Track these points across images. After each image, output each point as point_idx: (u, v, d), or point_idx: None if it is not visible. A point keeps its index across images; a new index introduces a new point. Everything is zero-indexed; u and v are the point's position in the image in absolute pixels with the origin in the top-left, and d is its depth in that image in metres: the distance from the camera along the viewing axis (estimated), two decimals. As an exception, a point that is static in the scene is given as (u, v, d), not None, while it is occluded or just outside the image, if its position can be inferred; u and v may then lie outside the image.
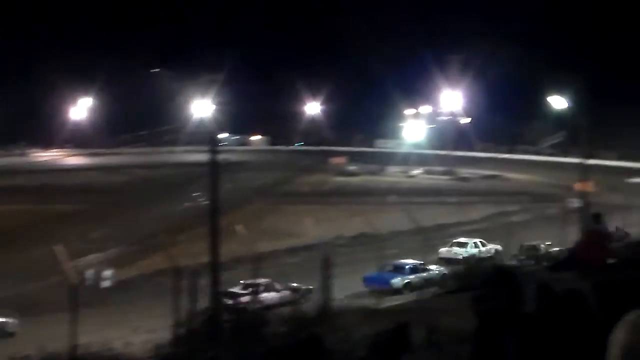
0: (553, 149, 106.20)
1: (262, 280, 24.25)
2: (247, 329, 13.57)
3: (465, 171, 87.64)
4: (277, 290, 24.16)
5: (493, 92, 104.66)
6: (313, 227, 23.37)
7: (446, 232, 36.19)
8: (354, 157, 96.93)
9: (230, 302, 20.56)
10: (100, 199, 50.94)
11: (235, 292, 23.20)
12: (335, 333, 10.83)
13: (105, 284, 29.65)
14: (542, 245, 27.71)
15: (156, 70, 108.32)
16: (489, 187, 71.19)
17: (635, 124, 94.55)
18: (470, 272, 15.13)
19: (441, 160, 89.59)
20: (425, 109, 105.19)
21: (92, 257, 33.72)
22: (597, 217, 15.73)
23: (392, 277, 25.28)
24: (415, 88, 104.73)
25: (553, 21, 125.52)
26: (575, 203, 38.42)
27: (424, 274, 26.22)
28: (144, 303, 25.12)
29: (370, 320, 11.27)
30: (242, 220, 33.40)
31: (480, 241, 31.75)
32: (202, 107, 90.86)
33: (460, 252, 30.82)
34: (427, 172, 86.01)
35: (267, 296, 23.34)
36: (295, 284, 24.50)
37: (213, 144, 11.80)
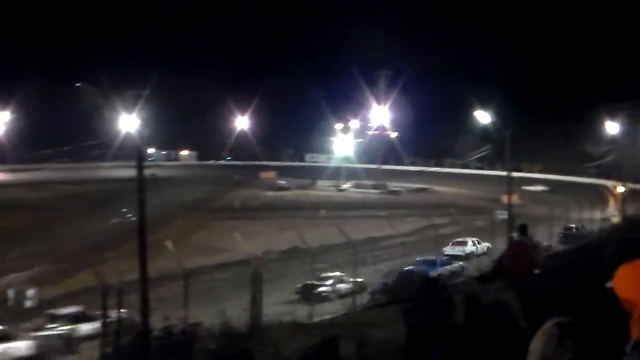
0: (480, 162, 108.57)
1: (336, 274, 27.87)
2: (176, 346, 13.36)
3: (394, 185, 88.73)
4: (347, 282, 26.57)
5: (420, 107, 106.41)
6: (243, 242, 23.24)
7: (377, 245, 36.47)
8: (284, 172, 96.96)
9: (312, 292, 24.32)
10: (24, 216, 49.45)
11: (314, 284, 26.40)
12: (265, 348, 10.77)
13: (29, 303, 28.72)
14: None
15: (79, 84, 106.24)
16: (418, 200, 72.21)
17: (557, 137, 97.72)
18: (401, 284, 15.23)
19: (371, 174, 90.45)
20: (354, 123, 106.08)
21: (14, 276, 32.65)
22: (523, 229, 16.07)
23: (428, 270, 26.39)
24: (344, 102, 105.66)
25: (479, 38, 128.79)
26: (502, 215, 39.43)
27: (449, 267, 30.02)
28: (70, 323, 24.44)
29: (300, 334, 11.27)
30: (172, 236, 32.95)
31: (477, 240, 35.68)
32: (128, 122, 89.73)
33: (462, 250, 35.06)
34: (357, 186, 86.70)
35: (341, 286, 26.16)
36: (359, 278, 25.89)
37: (140, 159, 11.63)
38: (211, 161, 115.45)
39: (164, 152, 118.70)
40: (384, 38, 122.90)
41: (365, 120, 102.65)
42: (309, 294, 26.49)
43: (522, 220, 20.20)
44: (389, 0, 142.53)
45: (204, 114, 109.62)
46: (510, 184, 31.64)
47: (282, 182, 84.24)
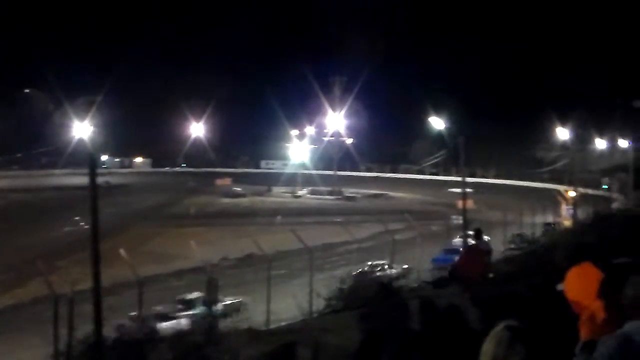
0: (435, 168, 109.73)
1: (382, 261, 29.74)
2: (131, 355, 13.17)
3: (350, 191, 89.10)
4: (394, 269, 27.81)
5: (376, 113, 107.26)
6: (199, 249, 23.06)
7: (333, 252, 36.53)
8: (239, 179, 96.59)
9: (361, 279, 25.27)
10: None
11: (364, 271, 27.80)
12: (222, 356, 10.70)
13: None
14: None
15: (28, 90, 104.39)
16: (374, 206, 72.61)
17: (510, 143, 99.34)
18: (356, 290, 15.26)
19: (326, 180, 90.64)
20: (309, 129, 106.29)
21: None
22: (477, 233, 16.27)
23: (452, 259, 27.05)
24: (300, 109, 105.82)
25: (433, 45, 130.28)
26: (457, 220, 39.83)
27: None
28: (19, 334, 23.89)
29: (257, 341, 11.22)
30: (127, 244, 32.47)
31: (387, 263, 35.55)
32: (80, 129, 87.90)
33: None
34: (313, 192, 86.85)
35: (392, 271, 27.06)
36: (404, 265, 28.66)
37: (92, 166, 11.46)
38: (166, 168, 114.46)
39: (118, 159, 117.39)
40: (339, 44, 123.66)
41: (320, 127, 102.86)
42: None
43: (477, 224, 20.43)
44: (343, 7, 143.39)
45: (158, 121, 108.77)
46: (465, 189, 31.99)
47: (238, 189, 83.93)
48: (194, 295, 24.15)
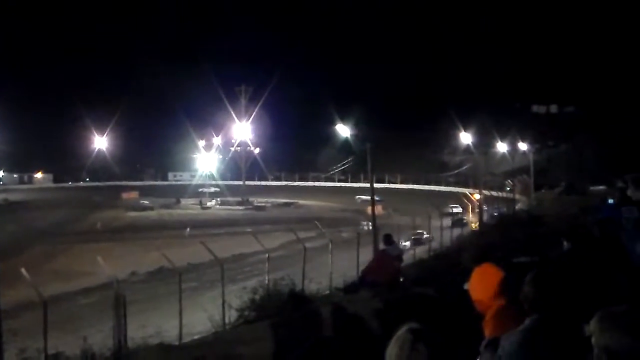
0: (343, 175, 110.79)
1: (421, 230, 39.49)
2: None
3: (259, 200, 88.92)
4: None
5: (282, 122, 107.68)
6: (107, 265, 22.44)
7: (244, 262, 36.40)
8: (146, 191, 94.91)
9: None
10: None
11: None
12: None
13: None
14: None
15: None
16: (284, 214, 72.71)
17: (415, 148, 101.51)
18: (268, 300, 15.23)
19: (235, 190, 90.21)
20: (216, 140, 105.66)
21: None
22: (388, 238, 16.50)
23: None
24: (206, 119, 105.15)
25: (336, 52, 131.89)
26: (367, 226, 40.31)
27: None
28: None
29: (168, 356, 10.99)
30: (30, 262, 31.35)
31: None
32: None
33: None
34: (222, 203, 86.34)
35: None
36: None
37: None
38: (69, 183, 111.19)
39: (16, 175, 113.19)
40: (244, 53, 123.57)
41: (227, 137, 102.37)
42: (418, 242, 37.35)
43: (387, 230, 20.71)
44: (247, 16, 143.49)
45: (59, 134, 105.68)
46: (373, 196, 32.42)
47: (145, 202, 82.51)
48: None
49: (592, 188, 61.13)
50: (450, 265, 17.71)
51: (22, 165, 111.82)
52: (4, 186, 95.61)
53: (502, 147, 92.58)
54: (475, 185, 64.90)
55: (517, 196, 60.68)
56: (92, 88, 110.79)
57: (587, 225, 7.66)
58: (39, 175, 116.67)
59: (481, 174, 64.43)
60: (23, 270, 14.41)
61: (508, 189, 65.42)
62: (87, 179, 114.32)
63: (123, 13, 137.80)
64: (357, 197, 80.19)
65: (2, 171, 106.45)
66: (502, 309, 4.15)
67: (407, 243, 36.77)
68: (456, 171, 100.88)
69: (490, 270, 4.41)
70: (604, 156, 75.94)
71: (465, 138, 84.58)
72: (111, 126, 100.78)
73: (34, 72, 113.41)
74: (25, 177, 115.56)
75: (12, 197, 77.04)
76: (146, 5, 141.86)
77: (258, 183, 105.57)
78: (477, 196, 53.23)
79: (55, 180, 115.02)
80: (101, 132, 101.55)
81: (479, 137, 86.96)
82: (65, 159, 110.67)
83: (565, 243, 6.26)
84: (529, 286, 3.57)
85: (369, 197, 41.17)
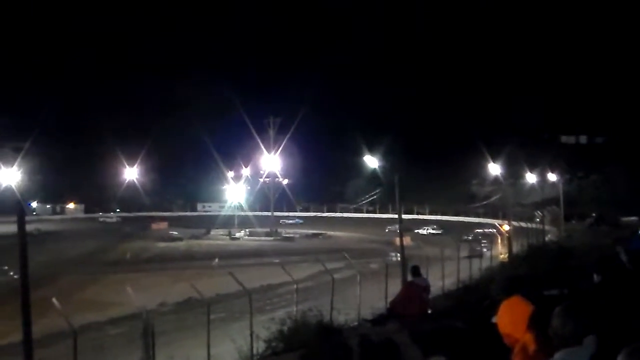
0: (372, 206, 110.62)
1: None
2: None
3: (288, 231, 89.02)
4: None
5: (310, 153, 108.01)
6: (136, 295, 22.56)
7: (273, 293, 36.30)
8: (176, 222, 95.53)
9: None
10: None
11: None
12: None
13: None
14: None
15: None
16: (312, 245, 72.56)
17: (444, 179, 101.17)
18: (296, 331, 15.17)
19: (263, 221, 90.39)
20: (245, 171, 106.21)
21: None
22: (415, 270, 16.39)
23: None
24: (235, 150, 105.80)
25: (366, 84, 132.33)
26: (395, 257, 40.03)
27: None
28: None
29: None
30: (60, 292, 31.65)
31: None
32: (7, 176, 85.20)
33: None
34: (251, 234, 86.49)
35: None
36: None
37: (21, 213, 11.20)
38: (99, 214, 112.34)
39: (49, 206, 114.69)
40: (272, 85, 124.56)
41: (256, 168, 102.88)
42: (475, 252, 40.11)
43: (415, 261, 20.59)
44: (276, 47, 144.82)
45: (90, 166, 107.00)
46: (402, 227, 32.27)
47: (174, 233, 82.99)
48: None
49: (623, 219, 60.33)
50: (479, 297, 17.54)
51: (54, 196, 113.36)
52: (36, 216, 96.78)
53: (531, 177, 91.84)
54: (504, 216, 64.32)
55: (547, 227, 60.00)
56: (122, 120, 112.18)
57: (618, 257, 7.58)
58: (70, 205, 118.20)
59: (510, 205, 63.91)
60: (54, 300, 14.56)
61: (537, 220, 64.78)
62: (118, 210, 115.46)
63: (153, 46, 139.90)
64: (387, 228, 79.82)
65: (35, 202, 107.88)
66: (531, 342, 4.11)
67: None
68: (485, 202, 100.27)
69: (520, 303, 4.38)
70: (635, 187, 75.05)
71: (494, 169, 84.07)
72: (141, 157, 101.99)
73: (66, 105, 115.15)
74: (58, 208, 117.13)
75: (44, 227, 77.88)
76: (176, 37, 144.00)
77: (286, 214, 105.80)
78: (506, 227, 52.75)
79: (86, 211, 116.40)
80: (131, 163, 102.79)
81: (507, 168, 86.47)
82: (96, 190, 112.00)
83: (595, 275, 6.19)
84: (558, 319, 3.53)
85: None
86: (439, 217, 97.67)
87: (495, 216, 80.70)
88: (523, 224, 56.26)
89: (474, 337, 6.78)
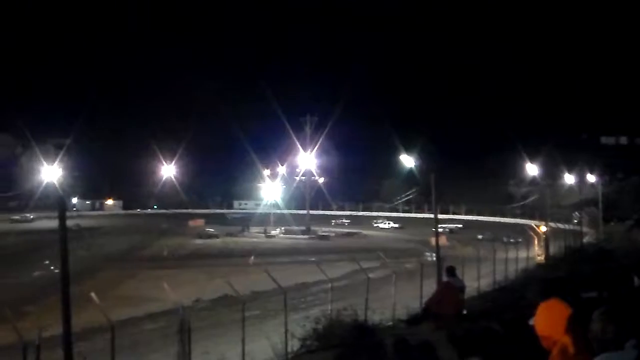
0: (407, 205, 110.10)
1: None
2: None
3: (323, 229, 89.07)
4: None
5: (347, 152, 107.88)
6: (173, 291, 22.75)
7: (307, 291, 36.36)
8: (212, 219, 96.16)
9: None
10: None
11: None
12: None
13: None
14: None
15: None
16: (347, 244, 72.52)
17: (481, 179, 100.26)
18: (331, 330, 15.16)
19: (299, 219, 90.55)
20: (281, 169, 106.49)
21: None
22: (451, 270, 16.28)
23: None
24: (272, 149, 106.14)
25: (402, 82, 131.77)
26: (430, 257, 39.82)
27: None
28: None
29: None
30: (98, 287, 32.00)
31: None
32: (49, 173, 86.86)
33: None
34: (287, 232, 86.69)
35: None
36: None
37: (62, 209, 11.35)
38: (137, 210, 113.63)
39: (88, 202, 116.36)
40: (309, 83, 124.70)
41: (292, 166, 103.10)
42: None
43: (450, 261, 20.45)
44: (312, 46, 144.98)
45: (129, 163, 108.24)
46: (437, 226, 32.08)
47: (211, 230, 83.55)
48: None
49: (664, 222, 59.21)
50: (514, 298, 17.36)
51: (94, 192, 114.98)
52: (77, 212, 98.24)
53: (569, 178, 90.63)
54: (541, 218, 63.58)
55: (585, 229, 59.18)
56: (160, 118, 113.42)
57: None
58: (109, 202, 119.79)
59: (547, 206, 63.12)
60: (93, 295, 14.76)
61: (575, 221, 63.89)
62: (155, 207, 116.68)
63: (189, 45, 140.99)
64: (445, 226, 79.21)
65: (75, 198, 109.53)
66: (569, 345, 4.07)
67: None
68: (522, 203, 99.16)
69: (558, 305, 4.33)
70: (678, 189, 73.58)
71: (532, 170, 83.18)
72: (179, 155, 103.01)
73: (106, 104, 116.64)
74: (97, 204, 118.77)
75: (84, 223, 78.98)
76: (211, 36, 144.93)
77: (322, 212, 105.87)
78: (543, 228, 52.15)
79: (124, 207, 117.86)
80: (169, 161, 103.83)
81: (545, 168, 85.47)
82: (134, 186, 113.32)
83: (636, 278, 6.10)
84: (598, 323, 3.48)
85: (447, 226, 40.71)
86: (474, 217, 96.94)
87: (532, 217, 79.82)
88: (560, 226, 55.54)
89: (510, 339, 6.72)
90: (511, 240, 52.81)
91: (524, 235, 52.02)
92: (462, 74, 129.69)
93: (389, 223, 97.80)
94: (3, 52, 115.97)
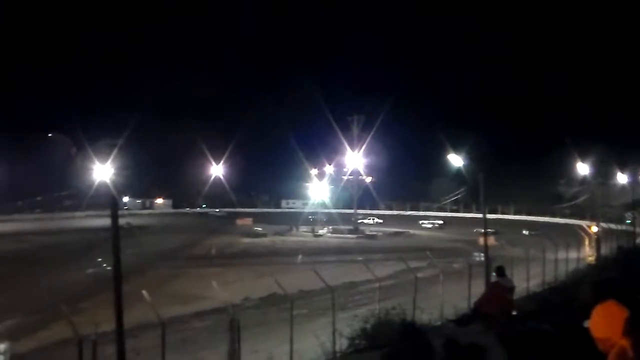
0: (455, 205, 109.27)
1: None
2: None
3: (371, 229, 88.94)
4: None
5: (394, 151, 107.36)
6: (221, 289, 22.99)
7: (355, 290, 36.33)
8: (260, 218, 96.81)
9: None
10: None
11: None
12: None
13: (0, 358, 27.96)
14: None
15: (51, 135, 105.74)
16: (395, 243, 72.31)
17: (530, 178, 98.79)
18: (379, 329, 15.15)
19: (347, 218, 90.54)
20: (329, 168, 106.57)
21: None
22: (500, 270, 16.12)
23: None
24: (319, 148, 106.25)
25: (450, 82, 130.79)
26: (479, 257, 39.47)
27: None
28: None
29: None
30: (149, 285, 32.51)
31: None
32: (101, 172, 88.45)
33: None
34: (334, 231, 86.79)
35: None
36: None
37: (114, 208, 11.58)
38: (186, 209, 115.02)
39: (139, 201, 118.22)
40: (357, 82, 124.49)
41: (339, 166, 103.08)
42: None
43: (499, 261, 20.25)
44: (360, 45, 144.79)
45: (178, 162, 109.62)
46: (486, 226, 31.76)
47: (259, 229, 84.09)
48: None
49: None
50: (565, 299, 17.09)
51: (144, 191, 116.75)
52: (128, 211, 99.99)
53: (622, 178, 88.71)
54: (592, 218, 62.43)
55: (638, 230, 57.88)
56: (209, 118, 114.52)
57: None
58: (159, 201, 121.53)
59: (598, 206, 61.94)
60: (144, 292, 14.99)
61: (628, 221, 62.52)
62: (204, 205, 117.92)
63: (241, 44, 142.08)
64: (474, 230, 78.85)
65: (126, 197, 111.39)
66: (627, 348, 3.99)
67: None
68: (572, 202, 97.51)
69: (615, 307, 4.25)
70: None
71: (582, 169, 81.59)
72: (227, 154, 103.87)
73: (156, 104, 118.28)
74: (147, 203, 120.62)
75: (134, 221, 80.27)
76: (260, 36, 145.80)
77: (370, 212, 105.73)
78: (594, 229, 51.21)
79: (174, 206, 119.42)
80: (218, 160, 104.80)
81: (596, 167, 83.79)
82: (184, 186, 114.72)
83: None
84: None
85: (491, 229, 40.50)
86: (523, 217, 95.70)
87: (582, 217, 78.40)
88: (612, 226, 54.45)
89: (563, 341, 6.62)
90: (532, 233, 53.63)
91: (574, 236, 51.30)
92: (513, 70, 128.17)
93: (436, 223, 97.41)
94: (62, 54, 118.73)
